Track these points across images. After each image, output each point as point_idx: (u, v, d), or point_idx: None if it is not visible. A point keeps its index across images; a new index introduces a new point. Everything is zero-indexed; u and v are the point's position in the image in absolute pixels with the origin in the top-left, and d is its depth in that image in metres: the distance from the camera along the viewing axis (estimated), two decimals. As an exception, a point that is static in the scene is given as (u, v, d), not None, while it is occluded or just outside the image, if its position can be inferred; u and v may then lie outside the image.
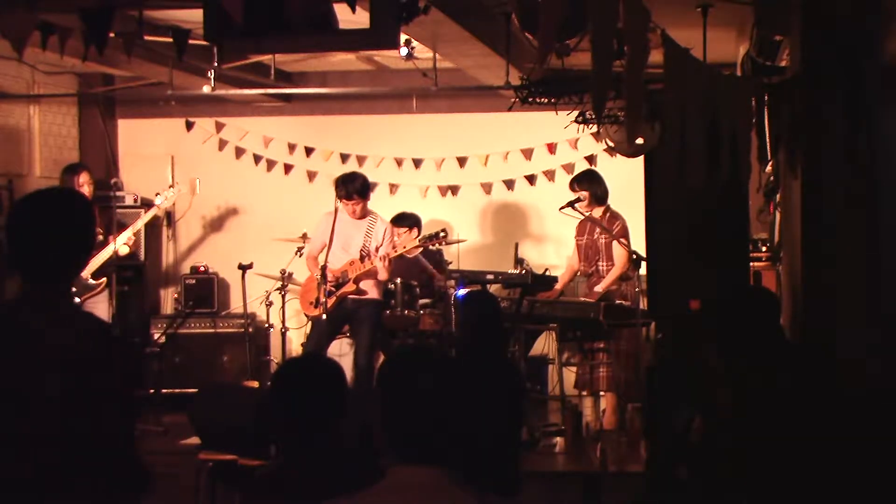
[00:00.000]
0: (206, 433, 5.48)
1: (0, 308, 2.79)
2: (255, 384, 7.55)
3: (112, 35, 4.99)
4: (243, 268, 7.97)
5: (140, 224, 7.74)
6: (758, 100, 4.96)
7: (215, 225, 9.29)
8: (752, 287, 5.71)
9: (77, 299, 7.13)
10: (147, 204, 8.38)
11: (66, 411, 2.74)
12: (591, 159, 8.68)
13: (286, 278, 7.90)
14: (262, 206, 9.13)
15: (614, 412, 7.20)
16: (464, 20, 5.72)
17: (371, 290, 7.30)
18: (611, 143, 6.45)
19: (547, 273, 7.89)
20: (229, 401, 5.59)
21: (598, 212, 7.43)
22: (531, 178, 8.88)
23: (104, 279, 7.29)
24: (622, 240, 7.22)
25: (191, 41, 5.62)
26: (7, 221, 2.78)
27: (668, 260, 5.58)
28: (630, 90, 3.62)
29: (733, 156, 4.42)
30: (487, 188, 8.96)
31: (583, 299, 7.46)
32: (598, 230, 7.45)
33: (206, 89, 7.49)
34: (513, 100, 6.37)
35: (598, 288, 7.37)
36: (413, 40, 6.54)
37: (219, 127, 9.25)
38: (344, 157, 9.00)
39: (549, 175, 8.84)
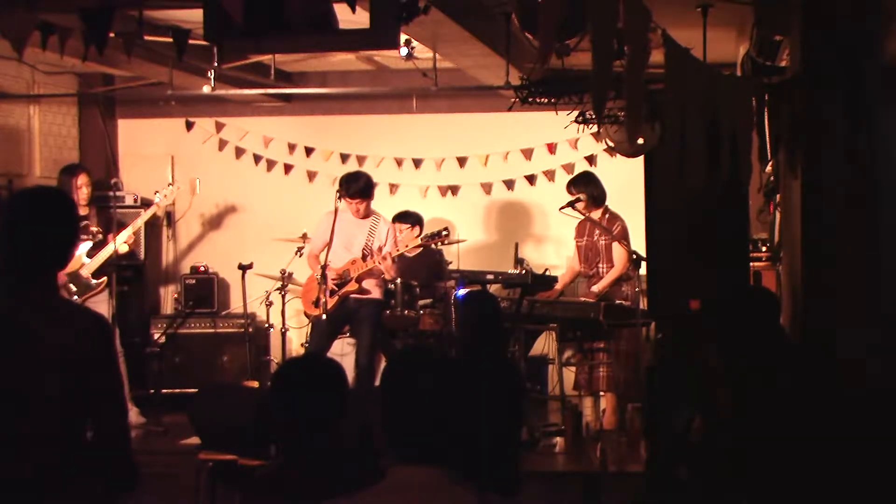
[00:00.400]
0: (206, 433, 5.48)
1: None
2: (255, 384, 7.55)
3: (112, 35, 4.98)
4: (243, 268, 7.97)
5: (140, 222, 7.73)
6: (758, 100, 4.95)
7: (215, 225, 9.29)
8: (752, 287, 5.71)
9: (77, 298, 7.14)
10: (147, 204, 8.38)
11: (65, 411, 2.75)
12: (591, 159, 8.68)
13: (286, 278, 7.90)
14: (262, 206, 9.13)
15: (614, 412, 7.20)
16: (464, 20, 5.72)
17: (374, 290, 7.31)
18: (611, 143, 6.44)
19: (547, 273, 7.89)
20: (229, 401, 5.60)
21: (596, 213, 7.43)
22: (531, 178, 8.88)
23: (105, 279, 7.29)
24: (622, 241, 7.22)
25: (191, 41, 5.62)
26: None
27: (668, 260, 5.58)
28: (630, 90, 3.62)
29: (733, 156, 4.42)
30: (487, 188, 8.96)
31: (583, 299, 7.46)
32: (597, 231, 7.45)
33: (206, 89, 7.49)
34: (513, 100, 6.37)
35: (595, 288, 7.38)
36: (413, 40, 6.54)
37: (219, 127, 9.25)
38: (344, 157, 9.00)
39: (549, 175, 8.84)
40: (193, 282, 8.75)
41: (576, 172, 8.09)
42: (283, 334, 7.94)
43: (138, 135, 9.31)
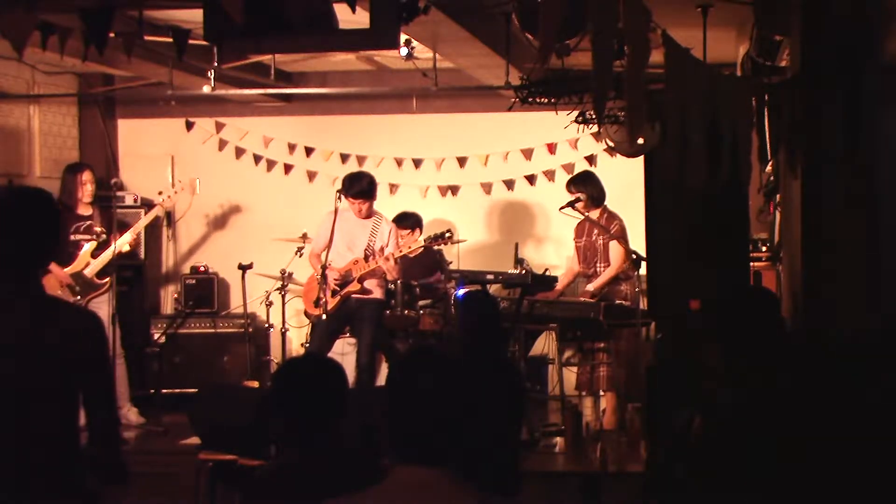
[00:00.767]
0: (206, 433, 5.48)
1: None
2: (255, 384, 7.56)
3: (112, 35, 4.98)
4: (243, 268, 7.98)
5: (143, 223, 7.75)
6: (758, 100, 4.95)
7: (215, 225, 9.29)
8: (752, 287, 5.71)
9: (80, 298, 7.15)
10: (147, 204, 8.38)
11: (54, 408, 2.76)
12: (591, 159, 8.68)
13: (286, 278, 7.90)
14: (262, 206, 9.13)
15: (614, 412, 7.21)
16: (464, 20, 5.72)
17: (375, 290, 7.32)
18: (611, 143, 6.45)
19: (547, 273, 7.89)
20: (229, 401, 5.60)
21: (595, 213, 7.44)
22: (531, 178, 8.88)
23: (108, 279, 7.30)
24: (620, 239, 7.23)
25: (191, 41, 5.61)
26: None
27: (668, 260, 5.58)
28: (630, 90, 3.62)
29: (733, 156, 4.42)
30: (487, 188, 8.96)
31: (583, 299, 7.46)
32: (596, 231, 7.46)
33: (206, 89, 7.49)
34: (513, 100, 6.38)
35: (591, 287, 7.39)
36: (413, 40, 6.54)
37: (219, 127, 9.25)
38: (344, 157, 9.01)
39: (549, 175, 8.84)
40: (193, 282, 8.75)
41: (576, 172, 8.10)
42: (284, 334, 7.94)
43: (138, 135, 9.31)
